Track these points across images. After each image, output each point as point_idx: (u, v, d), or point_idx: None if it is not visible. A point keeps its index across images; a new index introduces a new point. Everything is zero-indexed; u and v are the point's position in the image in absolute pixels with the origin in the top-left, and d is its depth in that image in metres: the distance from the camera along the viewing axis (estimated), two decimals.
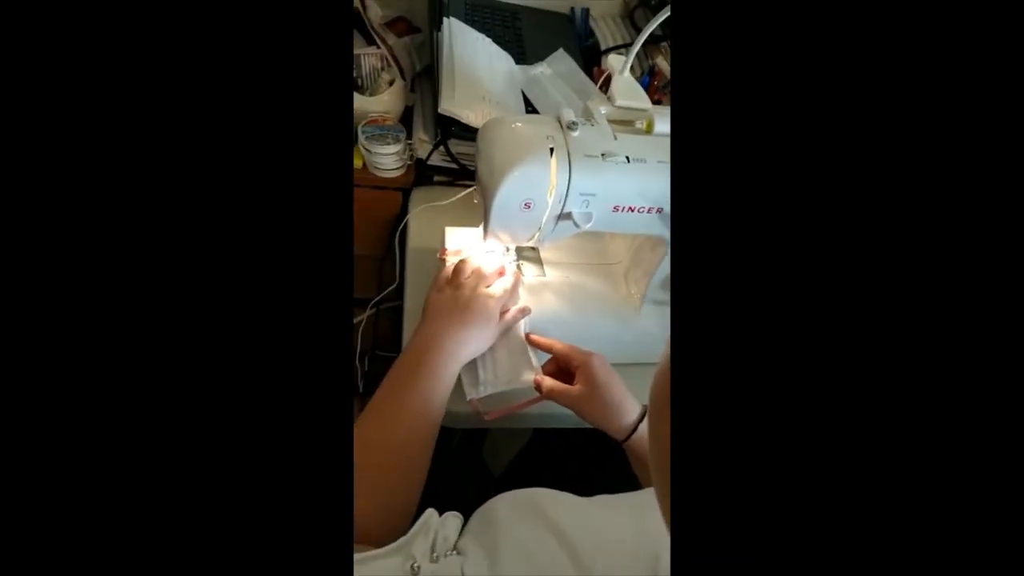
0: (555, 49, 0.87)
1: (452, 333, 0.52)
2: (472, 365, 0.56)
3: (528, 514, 0.37)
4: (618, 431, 0.53)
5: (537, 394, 0.55)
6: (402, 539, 0.35)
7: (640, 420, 0.53)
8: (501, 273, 0.58)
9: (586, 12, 0.96)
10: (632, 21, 0.96)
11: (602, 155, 0.49)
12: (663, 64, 0.88)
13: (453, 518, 0.38)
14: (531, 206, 0.50)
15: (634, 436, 0.52)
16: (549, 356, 0.58)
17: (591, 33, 0.95)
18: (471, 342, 0.54)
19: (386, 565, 0.33)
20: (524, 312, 0.58)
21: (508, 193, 0.49)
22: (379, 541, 0.36)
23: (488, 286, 0.56)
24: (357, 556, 0.33)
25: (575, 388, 0.53)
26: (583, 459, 0.72)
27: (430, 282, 0.59)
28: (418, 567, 0.33)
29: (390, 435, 0.46)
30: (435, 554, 0.34)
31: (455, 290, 0.55)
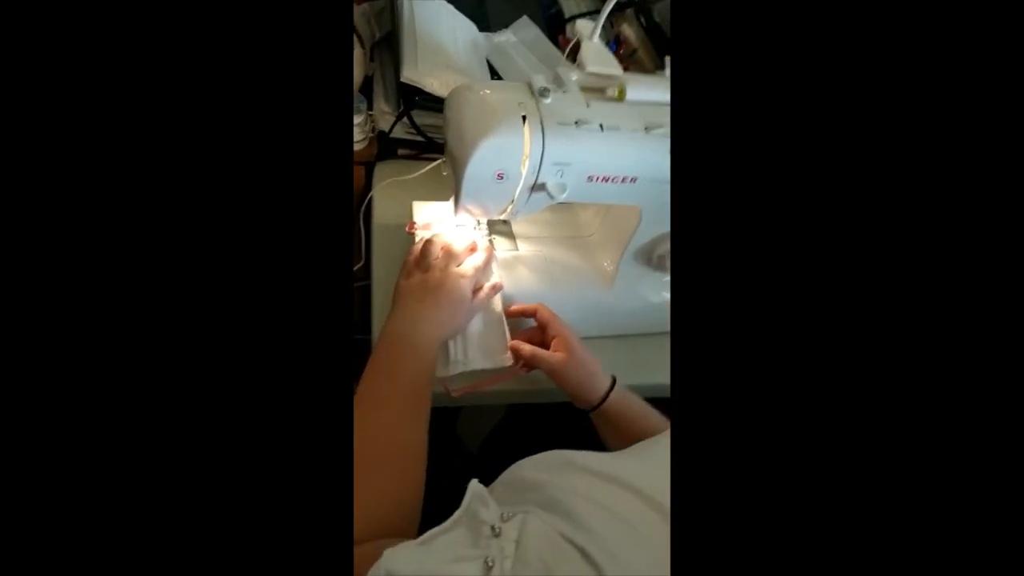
0: (519, 16, 0.84)
1: (427, 316, 0.51)
2: (442, 345, 0.55)
3: (567, 468, 0.34)
4: (590, 399, 0.54)
5: (504, 371, 0.55)
6: (459, 511, 0.32)
7: (610, 390, 0.54)
8: (472, 249, 0.57)
9: None
10: None
11: (576, 123, 0.48)
12: (628, 32, 0.86)
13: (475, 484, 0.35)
14: (504, 177, 0.49)
15: (604, 405, 0.54)
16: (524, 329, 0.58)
17: (555, 1, 0.92)
18: (446, 322, 0.52)
19: (456, 537, 0.31)
20: (496, 289, 0.57)
21: (480, 163, 0.47)
22: (406, 532, 0.34)
23: (459, 265, 0.55)
24: (417, 540, 0.31)
25: (556, 354, 0.54)
26: (561, 432, 0.72)
27: (399, 262, 0.57)
28: (499, 529, 0.30)
29: (391, 429, 0.45)
30: (504, 517, 0.31)
31: (424, 272, 0.54)
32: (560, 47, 0.83)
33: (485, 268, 0.57)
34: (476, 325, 0.57)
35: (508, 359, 0.55)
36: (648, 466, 0.34)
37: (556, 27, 0.88)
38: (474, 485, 0.34)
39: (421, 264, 0.55)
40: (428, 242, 0.56)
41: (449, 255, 0.55)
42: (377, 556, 0.29)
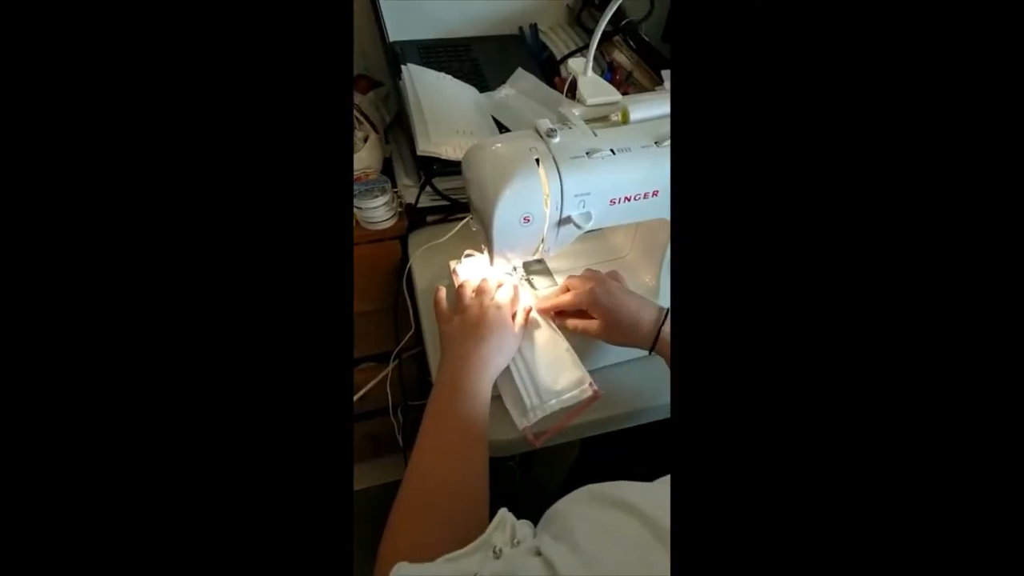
0: (513, 70, 0.89)
1: (474, 352, 0.53)
2: (516, 394, 0.56)
3: (590, 499, 0.37)
4: (644, 341, 0.55)
5: (581, 403, 0.55)
6: (481, 536, 0.36)
7: (661, 323, 0.54)
8: (499, 285, 0.60)
9: (535, 28, 0.99)
10: (581, 24, 0.98)
11: (587, 153, 0.50)
12: (620, 57, 0.89)
13: (525, 524, 0.39)
14: (530, 219, 0.51)
15: (661, 339, 0.54)
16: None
17: (544, 47, 0.97)
18: (495, 355, 0.55)
19: (471, 561, 0.35)
20: (528, 312, 0.59)
21: (505, 211, 0.49)
22: None
23: (491, 299, 0.58)
24: (444, 558, 0.35)
25: (593, 323, 0.56)
26: (637, 459, 0.71)
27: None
28: (500, 550, 0.35)
29: (447, 466, 0.46)
30: (515, 540, 0.36)
31: (462, 314, 0.57)
32: (558, 88, 0.86)
33: (516, 298, 0.59)
34: (543, 367, 0.57)
35: (586, 391, 0.55)
36: (660, 491, 0.36)
37: (550, 70, 0.92)
38: (501, 513, 0.38)
39: (458, 308, 0.58)
40: (460, 287, 0.60)
41: (480, 293, 0.58)
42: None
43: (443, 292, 0.61)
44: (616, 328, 0.55)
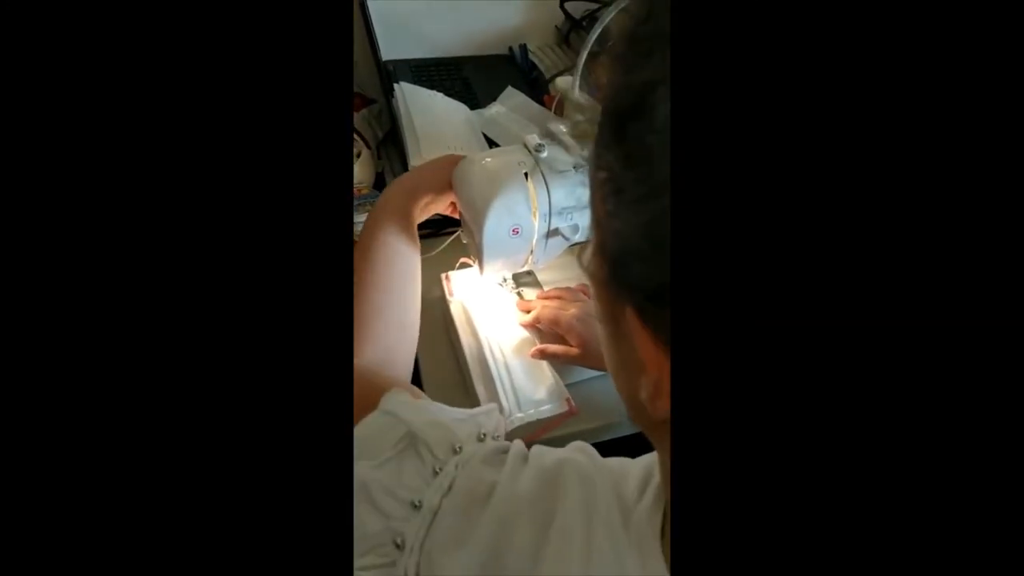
0: (503, 89, 0.91)
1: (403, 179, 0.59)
2: (494, 397, 0.57)
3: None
4: None
5: (557, 417, 0.56)
6: (471, 411, 0.39)
7: None
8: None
9: (524, 48, 1.01)
10: (569, 45, 1.01)
11: (574, 167, 0.51)
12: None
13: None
14: (519, 231, 0.52)
15: None
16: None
17: (533, 66, 0.99)
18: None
19: (463, 427, 0.37)
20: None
21: (495, 224, 0.51)
22: (385, 387, 0.39)
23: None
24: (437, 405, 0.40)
25: (572, 348, 0.57)
26: None
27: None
28: (484, 435, 0.37)
29: (379, 275, 0.51)
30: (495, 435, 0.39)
31: None
32: (547, 106, 0.88)
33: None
34: (524, 375, 0.58)
35: (563, 405, 0.56)
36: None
37: (539, 89, 0.94)
38: (488, 408, 0.41)
39: None
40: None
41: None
42: (372, 388, 0.39)
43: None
44: (595, 352, 0.56)
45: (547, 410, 0.56)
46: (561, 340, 0.59)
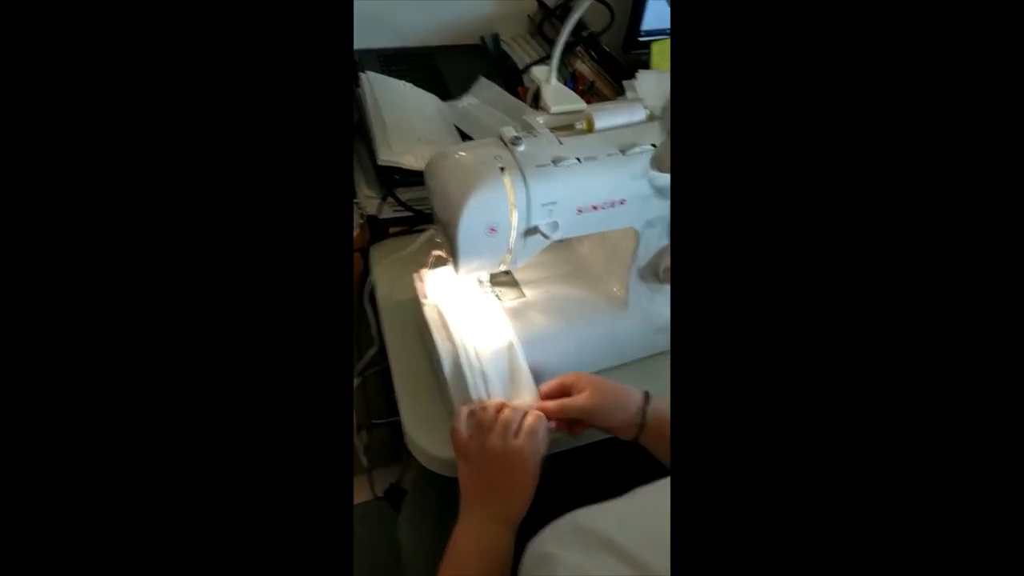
0: (475, 80, 0.88)
1: (498, 511, 0.49)
2: (461, 380, 0.54)
3: (573, 539, 0.37)
4: (630, 425, 0.53)
5: None
6: None
7: (645, 403, 0.53)
8: (525, 415, 0.53)
9: (496, 38, 0.98)
10: (543, 35, 0.98)
11: (553, 161, 0.49)
12: (582, 67, 0.89)
13: None
14: (496, 229, 0.49)
15: (647, 425, 0.52)
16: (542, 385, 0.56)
17: (506, 57, 0.96)
18: (517, 509, 0.50)
19: None
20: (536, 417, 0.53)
21: (470, 222, 0.48)
22: None
23: (515, 433, 0.51)
24: None
25: (582, 397, 0.53)
26: (600, 469, 0.70)
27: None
28: None
29: None
30: None
31: (481, 451, 0.50)
32: (521, 97, 0.85)
33: (539, 429, 0.52)
34: (498, 386, 0.55)
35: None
36: (654, 513, 0.36)
37: (513, 80, 0.91)
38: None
39: (474, 435, 0.51)
40: (482, 410, 0.52)
41: (504, 426, 0.50)
42: None
43: (464, 415, 0.52)
44: (606, 402, 0.52)
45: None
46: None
